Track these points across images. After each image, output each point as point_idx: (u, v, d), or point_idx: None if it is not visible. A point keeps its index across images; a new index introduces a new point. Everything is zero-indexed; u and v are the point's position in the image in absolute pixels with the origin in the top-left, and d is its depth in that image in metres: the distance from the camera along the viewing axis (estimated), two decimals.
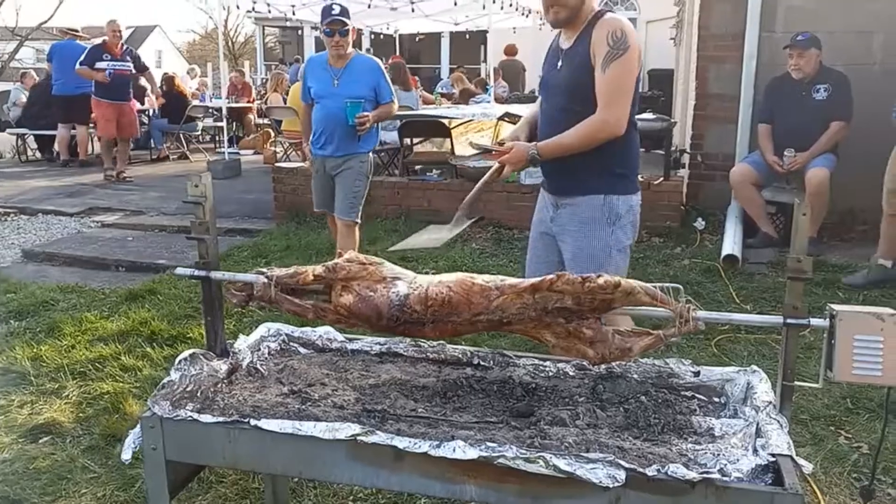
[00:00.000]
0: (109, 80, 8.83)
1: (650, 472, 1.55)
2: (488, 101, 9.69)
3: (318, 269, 1.98)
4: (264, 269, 2.12)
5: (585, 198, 2.71)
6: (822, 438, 2.96)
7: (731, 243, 5.27)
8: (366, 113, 4.47)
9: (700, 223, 5.99)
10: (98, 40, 9.49)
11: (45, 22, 26.21)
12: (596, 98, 2.55)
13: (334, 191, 4.67)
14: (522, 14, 11.48)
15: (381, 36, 15.47)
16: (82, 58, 9.00)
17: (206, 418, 1.82)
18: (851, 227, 5.70)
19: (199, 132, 12.59)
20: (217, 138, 13.45)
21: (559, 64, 2.68)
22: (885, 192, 4.54)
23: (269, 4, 10.70)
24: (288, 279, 1.99)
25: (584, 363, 2.20)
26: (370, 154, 4.73)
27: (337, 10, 4.38)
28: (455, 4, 10.84)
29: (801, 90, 5.30)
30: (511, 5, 10.51)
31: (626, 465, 1.56)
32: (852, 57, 5.51)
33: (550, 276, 1.83)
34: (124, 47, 9.19)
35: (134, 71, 9.32)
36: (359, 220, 4.72)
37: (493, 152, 2.70)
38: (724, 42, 6.18)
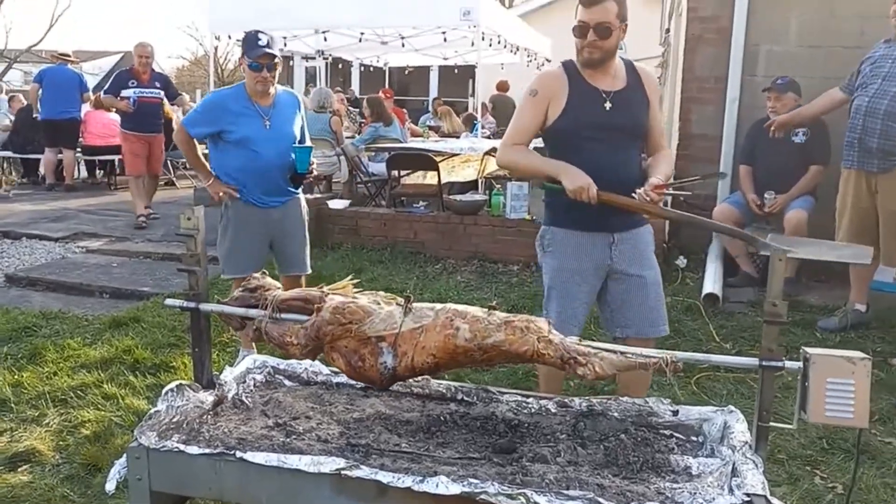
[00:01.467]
0: (133, 109, 7.76)
1: None
2: (476, 136, 9.83)
3: (302, 338, 2.03)
4: (252, 286, 2.16)
5: (642, 228, 2.92)
6: (798, 478, 3.00)
7: (712, 282, 5.35)
8: (314, 160, 3.96)
9: (682, 261, 6.07)
10: (108, 60, 9.18)
11: (35, 45, 26.25)
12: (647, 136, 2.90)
13: (268, 246, 4.05)
14: (511, 51, 11.67)
15: (371, 68, 15.65)
16: (107, 86, 8.28)
17: (193, 450, 1.84)
18: (829, 268, 5.79)
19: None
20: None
21: (607, 105, 2.78)
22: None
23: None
24: (277, 344, 2.06)
25: (566, 401, 2.25)
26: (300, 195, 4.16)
27: (264, 40, 3.78)
28: (445, 40, 11.01)
29: (780, 133, 5.44)
30: (499, 42, 10.68)
31: (605, 503, 1.59)
32: None
33: (532, 351, 1.92)
34: (153, 72, 8.14)
35: (164, 99, 8.15)
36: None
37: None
38: (707, 84, 6.32)
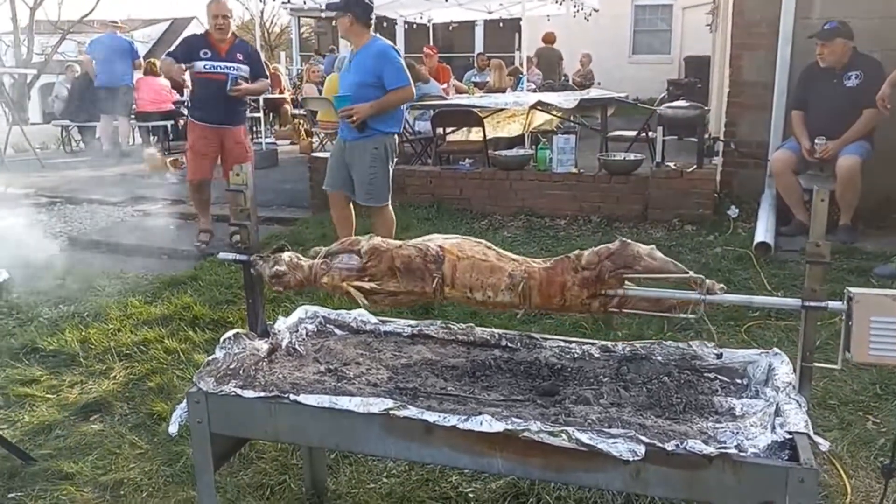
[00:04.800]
0: (233, 83, 5.65)
1: (669, 446, 1.62)
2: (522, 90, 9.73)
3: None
4: (279, 274, 2.21)
5: None
6: (850, 423, 2.99)
7: (764, 231, 5.26)
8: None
9: (733, 211, 5.98)
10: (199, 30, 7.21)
11: (87, 15, 26.71)
12: None
13: (349, 173, 4.81)
14: (556, 2, 11.45)
15: (415, 25, 15.53)
16: (173, 48, 6.04)
17: (249, 394, 1.93)
18: (887, 215, 5.64)
19: None
20: (254, 129, 13.66)
21: None
22: None
23: None
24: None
25: (609, 346, 2.28)
26: (385, 138, 4.74)
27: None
28: None
29: (832, 77, 5.26)
30: None
31: (646, 440, 1.63)
32: (890, 43, 5.43)
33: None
34: (236, 40, 5.86)
35: (249, 79, 5.84)
36: (384, 204, 4.88)
37: None
38: (758, 29, 6.13)
